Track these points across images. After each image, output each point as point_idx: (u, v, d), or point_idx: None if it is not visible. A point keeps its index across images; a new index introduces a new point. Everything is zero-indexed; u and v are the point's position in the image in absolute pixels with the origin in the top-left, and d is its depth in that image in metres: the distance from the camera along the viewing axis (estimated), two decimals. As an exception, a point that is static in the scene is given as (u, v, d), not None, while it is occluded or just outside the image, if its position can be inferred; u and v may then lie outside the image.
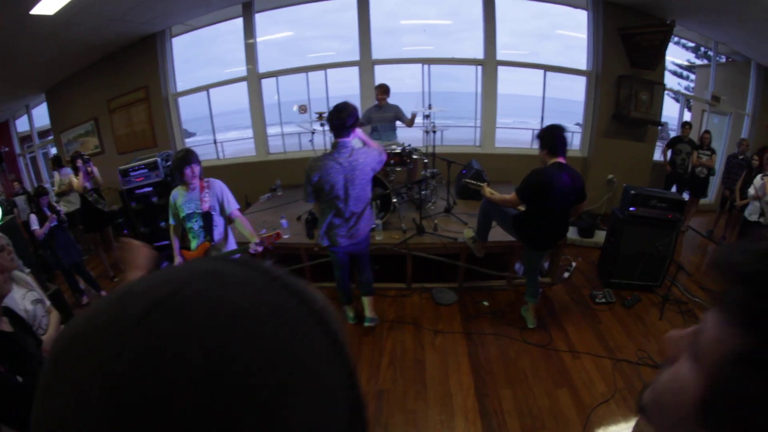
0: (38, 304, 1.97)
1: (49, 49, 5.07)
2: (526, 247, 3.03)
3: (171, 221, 2.80)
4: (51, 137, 7.56)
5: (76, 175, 4.64)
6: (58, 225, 3.88)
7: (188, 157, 2.59)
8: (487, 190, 3.06)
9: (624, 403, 2.46)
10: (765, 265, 0.34)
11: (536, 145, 2.82)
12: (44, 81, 6.54)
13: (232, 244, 2.86)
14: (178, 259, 2.77)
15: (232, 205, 2.75)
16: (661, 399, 0.42)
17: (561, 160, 2.69)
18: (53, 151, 7.61)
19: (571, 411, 2.43)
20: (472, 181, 3.26)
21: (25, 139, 8.62)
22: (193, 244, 2.76)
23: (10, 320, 1.40)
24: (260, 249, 2.67)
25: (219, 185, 2.73)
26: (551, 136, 2.71)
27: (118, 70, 6.08)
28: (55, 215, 3.84)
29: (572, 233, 4.63)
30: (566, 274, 3.91)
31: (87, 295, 4.26)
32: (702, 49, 7.40)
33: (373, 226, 3.68)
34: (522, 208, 2.91)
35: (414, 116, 4.61)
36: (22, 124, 8.47)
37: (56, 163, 5.27)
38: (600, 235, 4.50)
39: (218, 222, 2.73)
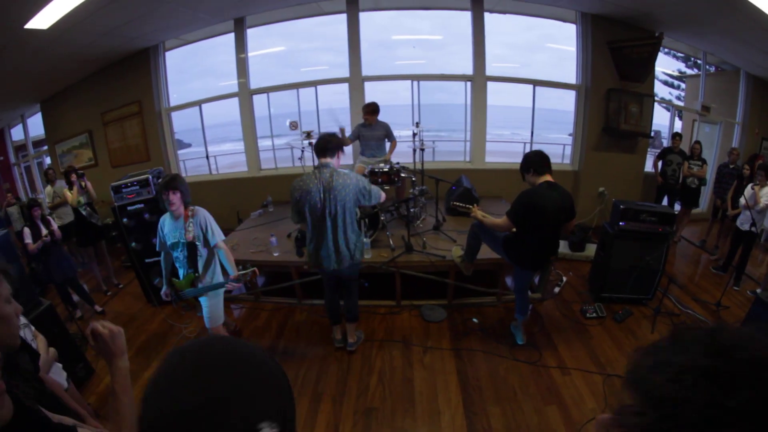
0: (26, 328, 1.99)
1: (43, 62, 5.11)
2: (516, 266, 3.00)
3: (157, 247, 2.76)
4: (46, 147, 7.57)
5: (70, 189, 4.65)
6: (51, 240, 3.88)
7: (171, 182, 2.54)
8: (478, 213, 2.97)
9: (613, 420, 2.46)
10: (678, 390, 0.36)
11: (521, 171, 2.80)
12: (39, 92, 6.58)
13: (219, 276, 2.77)
14: (164, 290, 2.74)
15: (217, 237, 2.67)
16: None
17: (549, 178, 2.69)
18: (47, 160, 7.62)
19: (561, 428, 2.42)
20: (461, 204, 3.14)
21: (20, 148, 8.64)
22: (181, 272, 2.72)
23: None
24: (237, 285, 2.65)
25: (203, 215, 2.66)
26: (535, 156, 2.70)
27: (112, 84, 6.12)
28: (48, 235, 3.82)
29: (563, 247, 4.64)
30: (557, 290, 3.91)
31: (80, 309, 4.24)
32: (692, 59, 7.48)
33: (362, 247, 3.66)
34: (514, 230, 2.88)
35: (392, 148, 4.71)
36: (17, 133, 8.49)
37: (50, 176, 5.28)
38: (591, 249, 4.51)
39: (203, 252, 2.67)
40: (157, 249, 2.77)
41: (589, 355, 3.03)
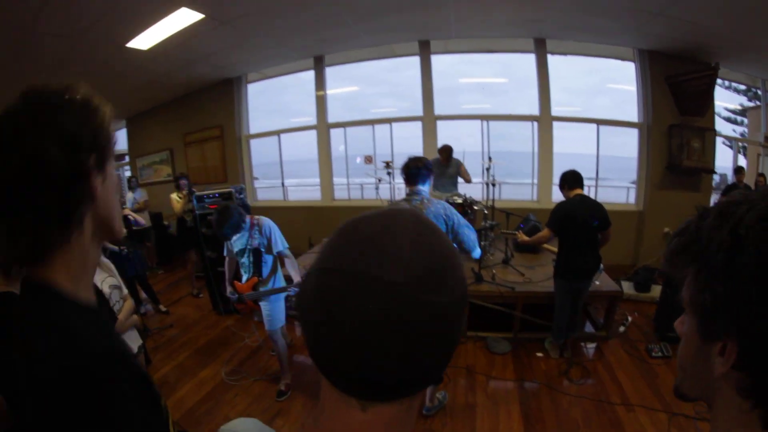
0: (115, 290, 2.15)
1: (138, 81, 5.56)
2: (557, 279, 3.25)
3: (224, 253, 3.03)
4: (126, 160, 8.38)
5: (180, 194, 4.96)
6: (128, 236, 4.21)
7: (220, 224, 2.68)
8: (524, 236, 3.47)
9: (679, 459, 2.35)
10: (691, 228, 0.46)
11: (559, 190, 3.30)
12: (127, 109, 7.17)
13: (280, 282, 2.99)
14: (229, 289, 2.96)
15: (279, 245, 2.83)
16: (681, 364, 0.51)
17: (579, 191, 3.14)
18: (126, 173, 8.45)
19: (625, 464, 2.37)
20: (509, 231, 3.74)
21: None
22: (245, 277, 2.94)
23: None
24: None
25: (268, 224, 2.84)
26: (569, 174, 3.18)
27: (197, 108, 6.69)
28: (124, 248, 4.09)
29: (628, 288, 4.56)
30: (622, 328, 3.85)
31: (145, 307, 4.60)
32: (753, 89, 7.21)
33: None
34: (551, 248, 3.31)
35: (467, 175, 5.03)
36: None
37: (132, 183, 5.86)
38: (657, 290, 4.41)
39: (267, 258, 2.87)
40: (224, 254, 3.04)
41: (653, 393, 2.94)
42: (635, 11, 4.11)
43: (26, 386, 0.53)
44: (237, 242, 2.88)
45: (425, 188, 2.42)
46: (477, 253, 2.44)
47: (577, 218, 3.05)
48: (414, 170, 2.36)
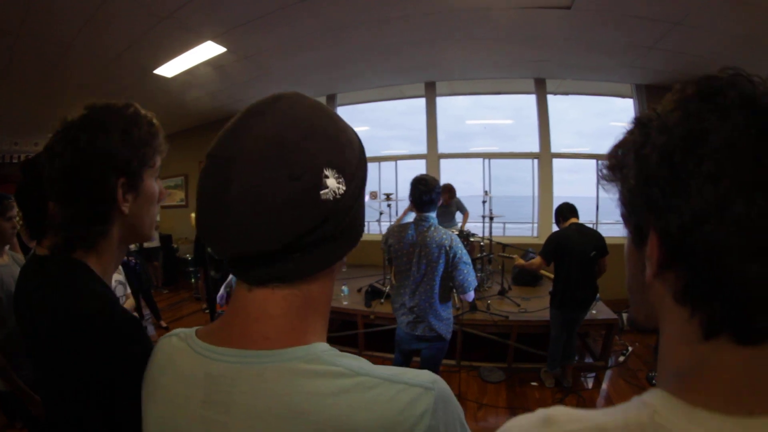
0: (120, 285, 2.25)
1: (160, 105, 5.66)
2: (552, 310, 3.21)
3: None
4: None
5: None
6: (138, 251, 4.40)
7: None
8: (520, 260, 3.62)
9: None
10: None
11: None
12: None
13: None
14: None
15: None
16: (628, 285, 0.45)
17: (575, 220, 3.19)
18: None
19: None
20: (505, 255, 3.83)
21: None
22: None
23: None
24: None
25: None
26: (561, 206, 3.32)
27: (212, 137, 7.07)
28: (133, 258, 4.36)
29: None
30: (621, 358, 3.75)
31: (146, 321, 4.70)
32: None
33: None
34: (549, 273, 3.29)
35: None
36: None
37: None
38: (659, 321, 4.31)
39: None
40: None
41: (652, 419, 2.82)
42: (630, 46, 4.26)
43: (56, 336, 0.64)
44: None
45: (434, 214, 2.35)
46: (470, 296, 2.32)
47: (572, 248, 3.03)
48: (426, 198, 2.26)
